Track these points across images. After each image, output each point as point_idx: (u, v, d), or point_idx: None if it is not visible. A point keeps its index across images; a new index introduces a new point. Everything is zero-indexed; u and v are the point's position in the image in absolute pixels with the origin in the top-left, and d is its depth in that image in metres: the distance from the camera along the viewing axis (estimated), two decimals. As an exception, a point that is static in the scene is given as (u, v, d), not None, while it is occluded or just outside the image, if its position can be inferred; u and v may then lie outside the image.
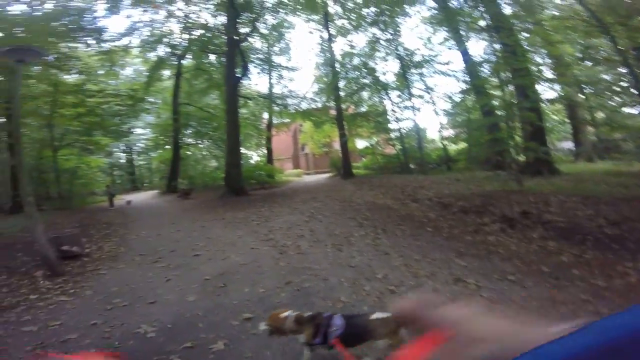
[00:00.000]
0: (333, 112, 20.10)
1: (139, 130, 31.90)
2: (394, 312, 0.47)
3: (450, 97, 18.14)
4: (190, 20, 16.54)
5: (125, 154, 37.01)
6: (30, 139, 16.25)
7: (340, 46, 30.32)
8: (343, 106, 18.64)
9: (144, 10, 15.20)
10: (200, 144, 28.01)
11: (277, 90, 22.95)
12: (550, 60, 15.70)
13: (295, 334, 2.07)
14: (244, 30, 16.55)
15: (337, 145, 23.18)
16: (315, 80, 22.24)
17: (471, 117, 16.30)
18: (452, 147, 19.36)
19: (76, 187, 17.37)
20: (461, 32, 14.27)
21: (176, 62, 21.36)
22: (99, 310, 3.70)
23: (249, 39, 17.83)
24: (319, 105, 20.84)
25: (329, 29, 18.53)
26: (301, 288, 3.94)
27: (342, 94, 18.49)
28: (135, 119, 21.78)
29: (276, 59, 22.41)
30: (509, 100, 11.60)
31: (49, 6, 10.97)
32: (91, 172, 20.04)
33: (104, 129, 17.39)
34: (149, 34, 17.00)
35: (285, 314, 2.08)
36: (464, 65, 14.82)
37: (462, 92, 17.13)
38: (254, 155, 30.25)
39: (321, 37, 19.83)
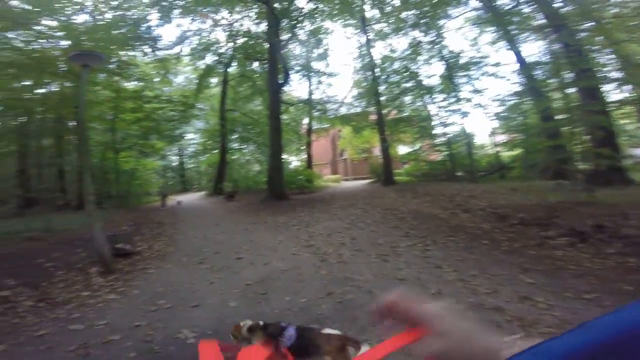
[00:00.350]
0: (373, 117, 19.65)
1: (189, 135, 34.04)
2: (375, 308, 0.50)
3: (502, 100, 16.81)
4: (234, 29, 17.25)
5: (177, 157, 39.65)
6: (96, 142, 17.88)
7: (379, 50, 29.76)
8: (384, 111, 18.14)
9: (192, 20, 16.12)
10: (244, 148, 28.97)
11: (316, 95, 23.11)
12: (615, 61, 13.99)
13: (249, 342, 2.03)
14: (284, 37, 16.86)
15: (377, 151, 22.61)
16: (354, 85, 21.97)
17: (528, 121, 14.94)
18: (505, 154, 17.90)
19: (133, 187, 18.74)
20: (512, 32, 13.22)
21: (223, 70, 22.36)
22: (143, 311, 3.73)
23: (289, 45, 18.15)
24: (359, 110, 20.52)
25: (367, 33, 18.23)
26: (343, 300, 3.67)
27: (382, 98, 18.01)
28: (186, 124, 23.08)
29: (315, 65, 22.56)
30: (573, 103, 10.40)
31: (108, 16, 11.97)
32: (147, 173, 21.54)
33: (159, 134, 18.61)
34: (197, 42, 18.08)
35: (243, 322, 2.11)
36: (518, 66, 13.70)
37: (516, 94, 15.78)
38: (294, 160, 30.64)
39: (359, 41, 19.59)
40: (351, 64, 41.66)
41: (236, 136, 26.51)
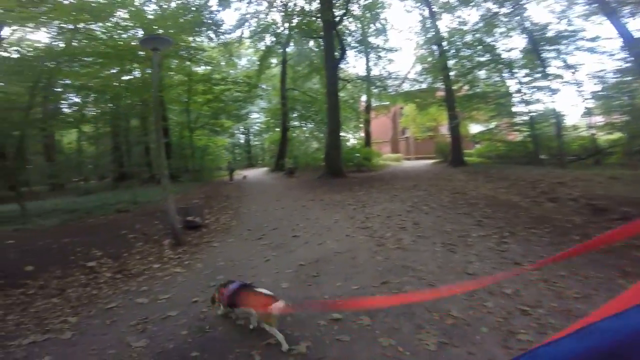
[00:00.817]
0: (440, 94, 17.92)
1: (254, 115, 35.62)
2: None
3: (601, 78, 13.89)
4: (289, 9, 17.01)
5: (243, 135, 42.09)
6: (174, 122, 19.62)
7: (445, 23, 26.82)
8: (454, 87, 16.40)
9: (249, 3, 16.27)
10: (304, 126, 29.30)
11: (376, 72, 22.04)
12: None
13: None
14: (338, 13, 16.04)
15: (444, 130, 20.82)
16: (418, 60, 20.18)
17: (636, 102, 12.20)
18: (603, 137, 14.98)
19: (206, 162, 20.33)
20: (612, 5, 10.69)
21: (281, 50, 22.56)
22: (203, 286, 3.84)
23: (344, 21, 17.37)
24: (424, 86, 18.91)
25: (431, 5, 16.36)
26: (400, 291, 3.34)
27: (452, 73, 16.24)
28: (251, 104, 24.03)
29: (373, 40, 21.34)
30: None
31: (173, 4, 12.62)
32: (217, 150, 23.17)
33: (227, 113, 19.65)
34: (256, 25, 18.39)
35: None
36: (622, 41, 11.18)
37: (621, 71, 12.96)
38: (352, 138, 30.10)
39: (421, 14, 17.76)
40: (413, 39, 38.37)
41: (296, 114, 26.86)
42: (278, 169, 23.03)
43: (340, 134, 17.36)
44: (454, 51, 16.45)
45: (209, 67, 17.67)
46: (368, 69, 22.29)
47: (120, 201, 9.80)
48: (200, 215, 7.00)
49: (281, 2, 17.21)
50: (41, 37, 11.09)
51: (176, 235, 5.65)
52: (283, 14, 17.95)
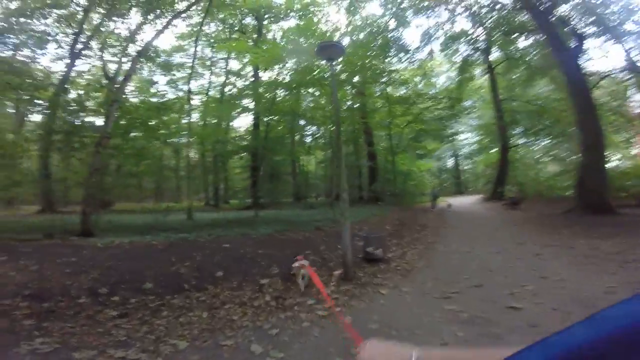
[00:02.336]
0: None
1: (463, 136, 31.87)
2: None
3: None
4: (476, 13, 13.62)
5: (451, 158, 38.49)
6: (381, 147, 20.11)
7: None
8: None
9: (427, 17, 14.50)
10: (532, 143, 22.75)
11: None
12: None
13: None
14: None
15: None
16: None
17: None
18: None
19: (408, 187, 19.36)
20: None
21: (483, 58, 19.63)
22: (333, 354, 2.56)
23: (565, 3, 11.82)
24: None
25: None
26: None
27: None
28: (456, 122, 21.30)
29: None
30: None
31: (361, 35, 12.82)
32: (421, 174, 21.78)
33: (430, 134, 18.08)
34: (444, 37, 16.30)
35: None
36: None
37: None
38: (618, 156, 20.22)
39: None
40: None
41: (518, 130, 21.31)
42: (495, 197, 18.93)
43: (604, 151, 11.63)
44: None
45: (406, 90, 17.08)
46: (631, 58, 14.29)
47: (325, 218, 10.28)
48: (383, 246, 5.79)
49: (463, 7, 14.36)
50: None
51: (346, 268, 4.68)
52: (470, 18, 14.99)
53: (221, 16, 17.01)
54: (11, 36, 10.72)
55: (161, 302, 3.99)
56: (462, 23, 18.92)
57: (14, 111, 14.05)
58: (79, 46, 11.83)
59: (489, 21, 15.93)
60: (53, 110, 10.31)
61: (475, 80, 23.06)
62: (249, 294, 4.21)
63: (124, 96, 9.61)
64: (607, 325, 0.29)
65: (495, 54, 20.34)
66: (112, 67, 18.05)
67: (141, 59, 10.38)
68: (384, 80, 14.46)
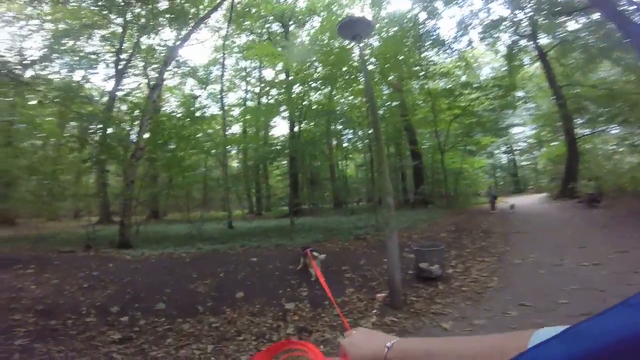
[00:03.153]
0: None
1: (518, 129, 28.64)
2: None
3: None
4: None
5: (506, 154, 34.69)
6: (426, 146, 18.45)
7: None
8: None
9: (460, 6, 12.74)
10: (606, 131, 19.36)
11: None
12: None
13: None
14: None
15: None
16: None
17: None
18: None
19: (460, 187, 17.35)
20: None
21: (531, 44, 17.39)
22: None
23: None
24: None
25: None
26: None
27: None
28: (511, 112, 18.82)
29: None
30: None
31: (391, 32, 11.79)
32: (474, 173, 19.51)
33: (481, 127, 16.04)
34: (480, 25, 15.05)
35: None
36: None
37: None
38: None
39: None
40: None
41: (585, 119, 18.36)
42: (565, 195, 16.26)
43: None
44: None
45: (448, 82, 15.43)
46: None
47: (367, 225, 9.25)
48: (440, 260, 4.60)
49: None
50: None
51: (394, 290, 3.62)
52: (509, 4, 13.13)
53: (247, 23, 17.01)
54: (63, 57, 11.55)
55: (170, 326, 3.38)
56: (500, 10, 17.17)
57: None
58: (122, 64, 12.39)
59: (529, 4, 14.00)
60: (104, 127, 10.77)
61: (527, 68, 20.67)
62: (270, 321, 3.39)
63: (155, 108, 9.62)
64: (583, 341, 0.25)
65: (545, 39, 17.92)
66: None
67: (168, 68, 10.41)
68: (422, 74, 13.16)
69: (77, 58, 14.52)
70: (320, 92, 11.51)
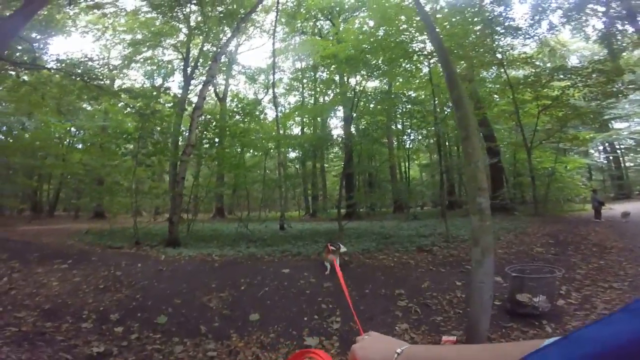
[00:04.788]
0: None
1: (621, 124, 22.79)
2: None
3: None
4: None
5: (606, 153, 28.00)
6: (506, 144, 15.61)
7: None
8: None
9: None
10: None
11: None
12: None
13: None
14: None
15: None
16: None
17: None
18: None
19: (552, 191, 14.05)
20: None
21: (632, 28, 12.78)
22: None
23: None
24: None
25: None
26: None
27: None
28: (614, 102, 14.55)
29: None
30: None
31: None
32: (568, 174, 15.75)
33: (579, 120, 12.73)
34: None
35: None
36: None
37: None
38: None
39: None
40: None
41: None
42: None
43: None
44: None
45: (531, 71, 12.57)
46: None
47: (433, 233, 7.69)
48: (551, 291, 2.97)
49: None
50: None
51: (474, 333, 2.24)
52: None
53: (298, 25, 16.56)
54: (143, 66, 12.45)
55: (160, 346, 2.60)
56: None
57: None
58: (190, 70, 12.91)
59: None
60: (175, 131, 11.19)
61: (631, 54, 16.35)
62: None
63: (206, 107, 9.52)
64: (583, 347, 0.24)
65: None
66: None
67: (219, 64, 10.26)
68: (496, 62, 10.91)
69: (155, 67, 15.85)
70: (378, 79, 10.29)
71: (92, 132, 11.77)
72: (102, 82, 8.31)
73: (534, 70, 12.75)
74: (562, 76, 12.33)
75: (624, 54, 16.11)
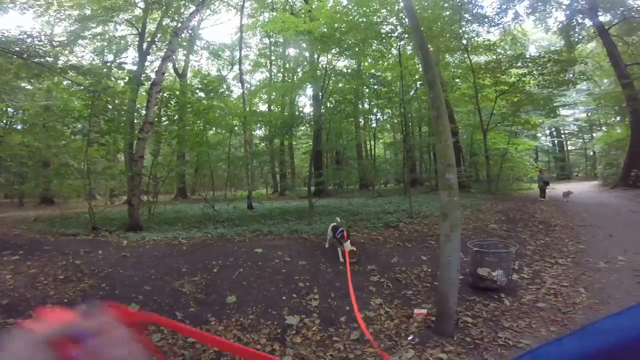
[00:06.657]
0: None
1: (566, 111, 25.43)
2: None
3: None
4: None
5: (550, 138, 31.06)
6: (464, 125, 16.56)
7: None
8: None
9: None
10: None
11: None
12: None
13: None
14: None
15: None
16: None
17: None
18: None
19: (504, 170, 15.33)
20: None
21: (594, 22, 14.68)
22: None
23: None
24: None
25: None
26: None
27: None
28: (562, 91, 16.10)
29: None
30: None
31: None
32: (518, 155, 17.23)
33: (532, 105, 13.80)
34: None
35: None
36: None
37: None
38: None
39: None
40: None
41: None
42: (628, 184, 14.01)
43: None
44: None
45: (492, 57, 13.31)
46: None
47: (398, 210, 8.09)
48: (504, 265, 3.32)
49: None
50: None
51: (443, 307, 2.47)
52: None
53: (269, 0, 15.72)
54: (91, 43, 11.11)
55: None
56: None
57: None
58: (145, 45, 11.75)
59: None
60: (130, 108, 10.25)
61: (584, 46, 17.99)
62: (264, 340, 2.42)
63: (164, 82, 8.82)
64: (599, 338, 0.26)
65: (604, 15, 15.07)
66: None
67: (179, 39, 9.49)
68: (461, 48, 11.32)
69: (106, 43, 14.17)
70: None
71: (32, 112, 10.49)
72: (45, 60, 7.29)
73: (495, 57, 13.42)
74: (520, 64, 13.10)
75: (579, 45, 17.61)
